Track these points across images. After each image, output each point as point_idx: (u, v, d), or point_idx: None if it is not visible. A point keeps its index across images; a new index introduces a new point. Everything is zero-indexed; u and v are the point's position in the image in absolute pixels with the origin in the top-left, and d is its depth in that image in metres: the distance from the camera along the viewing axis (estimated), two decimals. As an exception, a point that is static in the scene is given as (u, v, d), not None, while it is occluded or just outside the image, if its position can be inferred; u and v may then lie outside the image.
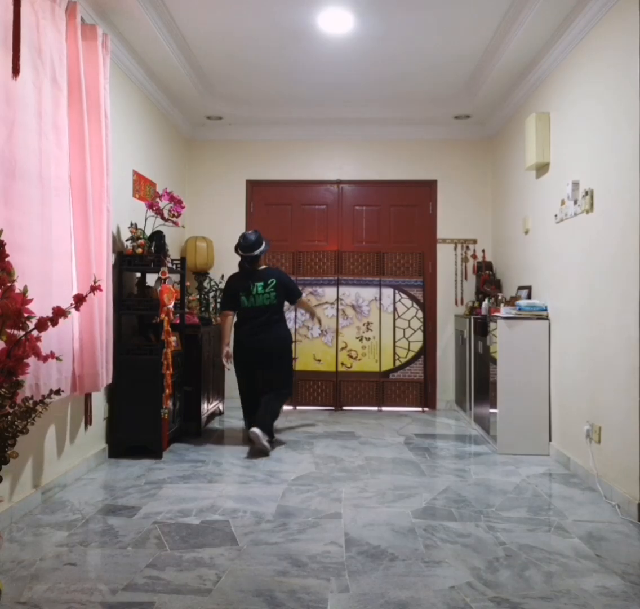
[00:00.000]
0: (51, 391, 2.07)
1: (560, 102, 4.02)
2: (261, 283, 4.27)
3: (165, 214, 4.18)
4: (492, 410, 4.32)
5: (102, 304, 3.39)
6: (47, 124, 2.81)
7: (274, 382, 4.32)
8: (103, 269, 3.42)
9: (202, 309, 5.47)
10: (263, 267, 4.39)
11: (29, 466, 2.95)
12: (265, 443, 4.02)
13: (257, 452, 4.06)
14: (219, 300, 5.68)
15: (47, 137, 2.80)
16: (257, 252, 4.26)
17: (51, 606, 2.03)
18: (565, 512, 3.01)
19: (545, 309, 4.19)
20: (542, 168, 4.36)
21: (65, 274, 3.07)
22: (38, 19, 2.76)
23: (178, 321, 4.36)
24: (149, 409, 3.89)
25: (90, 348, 3.27)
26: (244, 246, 4.27)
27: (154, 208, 4.09)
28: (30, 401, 1.96)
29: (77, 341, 3.22)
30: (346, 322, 5.92)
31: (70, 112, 3.15)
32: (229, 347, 4.28)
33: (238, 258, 6.13)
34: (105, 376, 3.45)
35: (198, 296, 5.45)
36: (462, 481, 3.51)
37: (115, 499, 3.13)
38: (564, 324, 3.91)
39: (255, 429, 3.99)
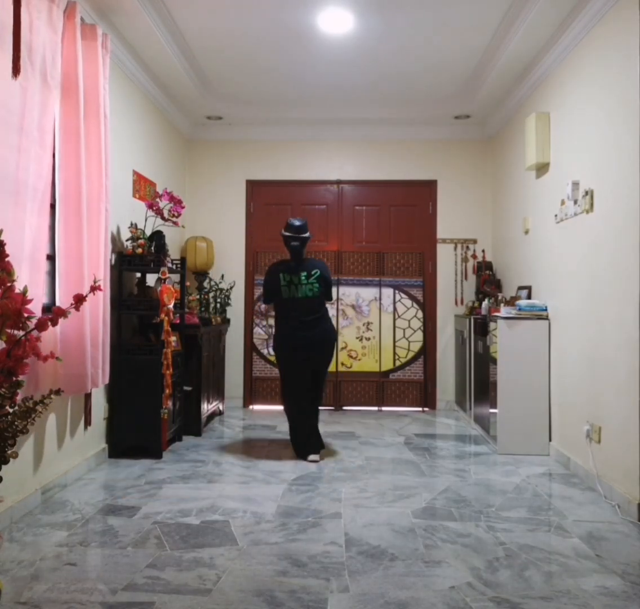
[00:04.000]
0: (51, 390, 2.07)
1: (560, 102, 4.02)
2: (305, 273, 4.00)
3: (165, 214, 4.17)
4: (492, 410, 4.32)
5: (98, 304, 3.35)
6: (31, 124, 2.79)
7: (319, 382, 4.10)
8: (100, 268, 3.39)
9: (202, 309, 5.47)
10: (306, 257, 4.15)
11: (29, 466, 2.95)
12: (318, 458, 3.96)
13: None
14: (219, 300, 5.69)
15: (29, 136, 2.78)
16: (306, 234, 4.04)
17: (51, 606, 2.03)
18: (565, 512, 3.01)
19: (545, 309, 4.19)
20: (542, 168, 4.36)
21: (39, 268, 2.93)
22: (32, 19, 2.75)
23: (178, 321, 4.36)
24: (149, 409, 3.89)
25: (78, 349, 3.14)
26: (295, 227, 4.02)
27: (154, 208, 4.09)
28: (30, 401, 1.96)
29: (59, 342, 3.05)
30: (346, 322, 5.92)
31: (65, 112, 3.14)
32: None
33: (238, 259, 6.16)
34: (102, 377, 3.41)
35: (198, 296, 5.45)
36: (462, 481, 3.51)
37: (115, 499, 3.13)
38: (564, 324, 3.91)
39: (316, 457, 3.94)
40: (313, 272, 4.02)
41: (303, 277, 3.99)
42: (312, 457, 3.93)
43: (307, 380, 4.02)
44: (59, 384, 3.01)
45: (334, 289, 4.44)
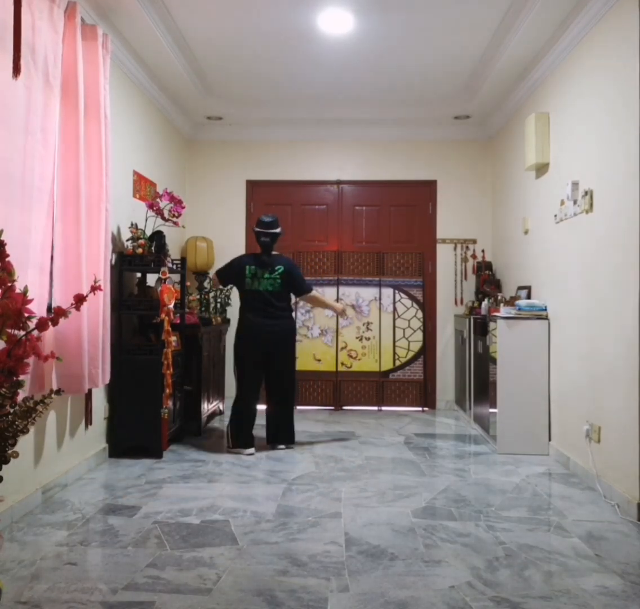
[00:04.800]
0: (51, 390, 2.07)
1: (560, 102, 4.03)
2: (269, 268, 4.22)
3: (166, 214, 4.18)
4: (491, 410, 4.32)
5: (98, 304, 3.34)
6: (34, 124, 2.79)
7: (284, 378, 4.25)
8: (100, 268, 3.38)
9: (203, 309, 5.47)
10: (275, 253, 4.32)
11: (29, 465, 2.96)
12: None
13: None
14: (219, 300, 5.68)
15: (33, 137, 2.78)
16: (276, 230, 4.24)
17: (51, 606, 2.04)
18: (565, 512, 3.01)
19: (545, 309, 4.19)
20: (541, 168, 4.37)
21: (44, 269, 2.93)
22: (34, 19, 2.76)
23: (178, 321, 4.36)
24: (149, 409, 3.89)
25: (75, 349, 3.13)
26: (265, 223, 4.23)
27: (155, 208, 4.09)
28: (31, 401, 1.96)
29: (57, 341, 3.04)
30: (346, 322, 5.92)
31: (66, 113, 3.13)
32: None
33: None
34: (102, 376, 3.40)
35: (198, 296, 5.45)
36: (461, 481, 3.51)
37: (115, 499, 3.13)
38: (564, 324, 3.92)
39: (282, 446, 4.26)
40: (277, 268, 4.23)
41: (267, 272, 4.22)
42: (281, 446, 4.23)
43: (261, 372, 4.27)
44: (56, 384, 3.01)
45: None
